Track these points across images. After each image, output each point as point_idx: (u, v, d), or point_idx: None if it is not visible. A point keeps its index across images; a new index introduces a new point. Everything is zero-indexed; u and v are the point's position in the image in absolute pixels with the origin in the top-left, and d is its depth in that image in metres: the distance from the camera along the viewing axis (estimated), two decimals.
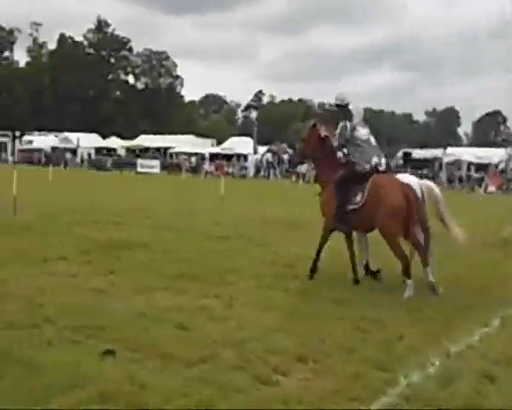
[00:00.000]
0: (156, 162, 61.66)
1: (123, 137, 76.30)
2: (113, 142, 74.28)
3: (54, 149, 69.96)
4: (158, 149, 68.84)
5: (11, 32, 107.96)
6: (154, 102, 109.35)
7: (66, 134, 73.28)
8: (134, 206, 19.82)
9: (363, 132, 9.15)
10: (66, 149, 69.58)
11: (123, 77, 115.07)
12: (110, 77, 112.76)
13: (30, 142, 74.32)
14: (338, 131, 9.20)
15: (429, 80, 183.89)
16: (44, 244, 11.13)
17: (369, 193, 8.66)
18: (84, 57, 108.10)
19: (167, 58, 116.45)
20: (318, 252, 9.30)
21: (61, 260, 9.81)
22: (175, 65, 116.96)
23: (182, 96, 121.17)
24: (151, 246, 11.60)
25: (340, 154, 9.31)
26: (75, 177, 41.55)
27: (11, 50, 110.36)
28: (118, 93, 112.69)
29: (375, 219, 8.63)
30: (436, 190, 8.99)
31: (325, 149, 9.38)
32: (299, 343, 5.99)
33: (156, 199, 23.86)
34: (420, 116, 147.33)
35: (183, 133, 73.28)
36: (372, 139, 9.22)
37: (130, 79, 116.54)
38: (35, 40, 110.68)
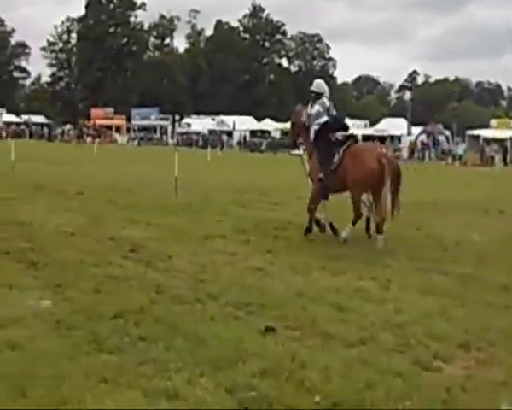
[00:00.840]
0: None
1: (277, 120, 77.31)
2: (268, 124, 75.45)
3: (211, 131, 72.23)
4: None
5: (171, 20, 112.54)
6: (307, 84, 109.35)
7: (223, 117, 75.41)
8: (289, 186, 20.01)
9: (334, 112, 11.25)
10: (222, 132, 71.67)
11: (277, 60, 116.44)
12: (264, 61, 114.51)
13: (188, 125, 77.27)
14: (319, 106, 10.99)
15: None
16: (204, 223, 11.56)
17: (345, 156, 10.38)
18: (240, 42, 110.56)
19: (320, 41, 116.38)
20: (312, 214, 10.78)
21: (220, 238, 10.13)
22: (328, 47, 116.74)
23: (334, 78, 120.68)
24: None
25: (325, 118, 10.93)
26: (231, 158, 42.67)
27: (171, 38, 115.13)
28: (272, 76, 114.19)
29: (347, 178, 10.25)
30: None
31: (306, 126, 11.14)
32: (461, 330, 5.78)
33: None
34: None
35: None
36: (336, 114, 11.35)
37: (284, 62, 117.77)
38: (193, 27, 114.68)
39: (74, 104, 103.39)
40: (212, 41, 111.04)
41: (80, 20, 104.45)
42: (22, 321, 5.56)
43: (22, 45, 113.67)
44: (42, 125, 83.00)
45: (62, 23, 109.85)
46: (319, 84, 11.46)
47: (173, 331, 5.38)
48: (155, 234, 10.20)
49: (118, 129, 79.48)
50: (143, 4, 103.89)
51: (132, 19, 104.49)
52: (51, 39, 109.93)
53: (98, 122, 77.88)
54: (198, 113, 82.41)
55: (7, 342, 5.02)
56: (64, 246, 8.97)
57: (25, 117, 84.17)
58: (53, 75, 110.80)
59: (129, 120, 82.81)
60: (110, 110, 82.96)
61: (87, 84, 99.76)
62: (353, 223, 10.31)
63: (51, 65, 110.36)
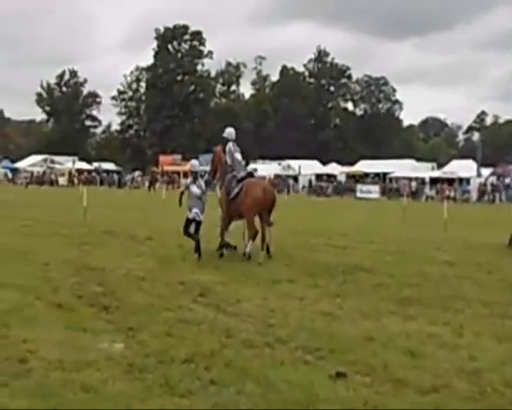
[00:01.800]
0: (375, 187, 61.58)
1: (342, 163, 77.29)
2: (333, 168, 75.51)
3: (277, 176, 72.68)
4: (377, 175, 68.63)
5: (237, 66, 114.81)
6: (373, 127, 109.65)
7: (289, 161, 75.85)
8: (355, 230, 19.92)
9: (237, 155, 14.12)
10: (288, 176, 72.01)
11: (342, 104, 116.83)
12: (330, 105, 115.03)
13: (254, 170, 77.92)
14: (229, 149, 14.09)
15: None
16: (272, 267, 11.59)
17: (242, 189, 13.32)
18: (305, 87, 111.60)
19: (386, 83, 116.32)
20: (222, 233, 13.59)
21: (288, 282, 10.14)
22: (394, 90, 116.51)
23: (401, 121, 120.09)
24: (375, 270, 11.55)
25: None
26: (297, 203, 42.73)
27: (237, 84, 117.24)
28: (337, 120, 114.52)
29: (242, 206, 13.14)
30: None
31: (222, 164, 14.06)
32: None
33: (377, 223, 23.76)
34: None
35: (402, 158, 72.35)
36: (239, 157, 14.18)
37: (350, 105, 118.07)
38: (259, 73, 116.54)
39: (143, 151, 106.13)
40: (277, 86, 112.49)
41: (149, 69, 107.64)
42: (96, 364, 5.69)
43: (94, 95, 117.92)
44: (112, 172, 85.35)
45: (132, 72, 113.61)
46: (230, 133, 14.62)
47: (244, 375, 5.40)
48: (223, 278, 10.29)
49: (185, 175, 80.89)
50: (210, 52, 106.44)
51: (199, 67, 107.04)
52: (121, 88, 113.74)
53: (166, 168, 79.57)
54: (264, 157, 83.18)
55: (81, 385, 5.15)
56: (135, 290, 9.15)
57: (96, 164, 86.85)
58: (122, 123, 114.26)
59: None
60: (178, 156, 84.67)
61: (155, 132, 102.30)
62: (252, 239, 12.98)
63: (121, 113, 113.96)
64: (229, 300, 8.56)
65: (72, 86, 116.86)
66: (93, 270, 10.81)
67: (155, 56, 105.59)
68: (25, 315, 7.42)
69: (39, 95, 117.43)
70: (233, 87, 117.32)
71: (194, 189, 13.12)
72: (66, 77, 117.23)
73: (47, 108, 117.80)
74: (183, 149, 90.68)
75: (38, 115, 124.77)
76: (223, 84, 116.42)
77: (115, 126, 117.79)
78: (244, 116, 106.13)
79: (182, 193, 13.56)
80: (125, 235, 16.50)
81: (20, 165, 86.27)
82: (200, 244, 12.60)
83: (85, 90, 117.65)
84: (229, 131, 14.57)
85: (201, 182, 13.38)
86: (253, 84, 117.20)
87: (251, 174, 14.25)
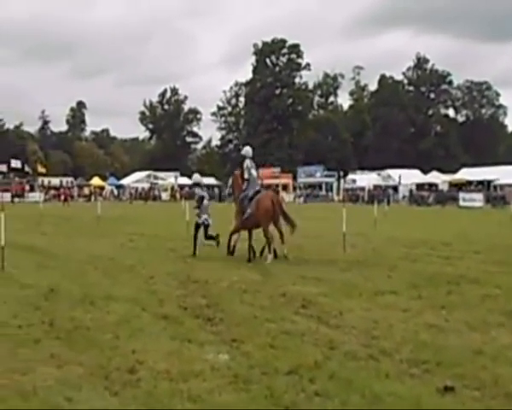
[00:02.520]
0: (479, 195, 59.54)
1: (444, 172, 75.37)
2: (435, 176, 73.75)
3: (376, 186, 71.80)
4: (481, 182, 66.38)
5: (335, 78, 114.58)
6: (476, 133, 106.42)
7: (388, 171, 74.76)
8: (459, 240, 19.34)
9: (252, 171, 15.67)
10: (387, 187, 70.98)
11: (443, 111, 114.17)
12: (430, 112, 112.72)
13: (353, 181, 77.42)
14: (247, 165, 15.62)
15: None
16: (374, 279, 11.42)
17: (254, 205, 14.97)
18: (404, 95, 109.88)
19: (489, 88, 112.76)
20: (229, 240, 15.62)
21: (391, 293, 9.95)
22: (497, 94, 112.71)
23: (505, 126, 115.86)
24: (481, 281, 11.15)
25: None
26: (398, 213, 42.00)
27: (335, 95, 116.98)
28: (438, 128, 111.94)
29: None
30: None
31: (239, 185, 15.82)
32: None
33: (482, 232, 22.96)
34: None
35: (507, 164, 69.67)
36: (254, 173, 15.80)
37: (451, 112, 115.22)
38: (357, 83, 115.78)
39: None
40: (376, 96, 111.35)
41: (248, 83, 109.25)
42: (201, 375, 5.80)
43: (194, 111, 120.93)
44: (212, 186, 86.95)
45: (231, 88, 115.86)
46: (248, 151, 16.05)
47: (348, 388, 5.35)
48: (325, 290, 10.24)
49: (284, 187, 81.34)
50: (308, 65, 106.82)
51: (297, 79, 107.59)
52: (221, 104, 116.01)
53: (266, 181, 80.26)
54: (363, 168, 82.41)
55: (188, 395, 5.26)
56: (238, 302, 9.26)
57: None
58: (222, 138, 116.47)
59: (295, 178, 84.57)
60: (277, 169, 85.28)
61: (254, 145, 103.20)
62: (269, 247, 14.71)
63: (221, 128, 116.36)
64: (331, 311, 8.51)
65: (173, 104, 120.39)
66: (197, 282, 11.03)
67: (254, 71, 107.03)
68: (133, 326, 7.67)
69: (142, 113, 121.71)
70: (331, 98, 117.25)
71: (206, 198, 16.35)
72: (168, 95, 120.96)
73: (150, 126, 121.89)
74: (281, 161, 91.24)
75: (142, 133, 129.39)
76: (321, 96, 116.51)
77: (215, 141, 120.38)
78: (342, 127, 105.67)
79: (201, 201, 16.19)
80: (226, 248, 16.71)
81: (125, 181, 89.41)
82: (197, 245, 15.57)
83: (186, 107, 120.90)
84: (247, 150, 16.17)
85: (205, 192, 16.63)
86: (351, 94, 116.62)
87: (259, 191, 15.52)
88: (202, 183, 17.21)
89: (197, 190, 16.58)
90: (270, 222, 14.86)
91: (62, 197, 62.78)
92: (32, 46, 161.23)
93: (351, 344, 6.81)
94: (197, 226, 15.86)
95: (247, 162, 15.74)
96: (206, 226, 15.88)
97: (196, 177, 17.11)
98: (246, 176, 15.61)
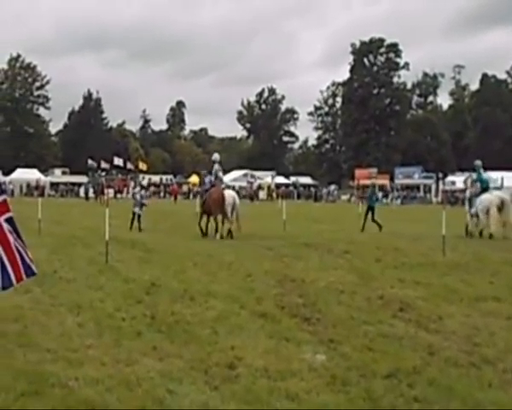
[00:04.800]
0: None
1: None
2: None
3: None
4: None
5: (435, 77, 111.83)
6: None
7: (490, 173, 72.20)
8: None
9: (219, 173, 20.86)
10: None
11: None
12: None
13: (453, 182, 75.30)
14: (215, 169, 20.67)
15: None
16: (475, 283, 11.09)
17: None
18: (508, 94, 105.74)
19: None
20: (199, 225, 20.35)
21: (493, 300, 9.63)
22: None
23: None
24: None
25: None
26: None
27: (435, 95, 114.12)
28: None
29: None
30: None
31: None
32: None
33: None
34: None
35: None
36: (221, 175, 21.24)
37: None
38: (458, 83, 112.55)
39: (339, 165, 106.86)
40: (477, 95, 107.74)
41: (345, 83, 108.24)
42: (299, 374, 5.82)
43: (291, 111, 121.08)
44: (309, 185, 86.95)
45: (328, 88, 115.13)
46: (216, 157, 21.04)
47: (449, 395, 5.24)
48: (424, 293, 10.03)
49: (381, 188, 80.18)
50: (406, 64, 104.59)
51: (395, 79, 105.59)
52: (318, 104, 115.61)
53: (362, 182, 79.38)
54: (462, 169, 79.99)
55: (286, 394, 5.30)
56: (335, 302, 9.23)
57: (293, 179, 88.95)
58: (319, 138, 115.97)
59: (392, 179, 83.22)
60: (374, 170, 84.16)
61: (351, 146, 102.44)
62: (216, 228, 19.67)
63: (317, 128, 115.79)
64: (430, 316, 8.33)
65: (270, 103, 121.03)
66: (294, 281, 11.07)
67: (351, 71, 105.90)
68: (231, 323, 7.79)
69: (240, 112, 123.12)
70: (430, 98, 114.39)
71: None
72: (265, 95, 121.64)
73: (247, 125, 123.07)
74: (378, 162, 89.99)
75: (239, 132, 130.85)
76: (419, 96, 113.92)
77: (312, 141, 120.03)
78: (442, 127, 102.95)
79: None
80: (322, 248, 16.70)
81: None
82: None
83: (283, 107, 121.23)
84: (216, 156, 21.10)
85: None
86: (452, 94, 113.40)
87: (213, 186, 20.37)
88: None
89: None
90: (217, 209, 19.63)
91: (173, 195, 65.88)
92: (138, 48, 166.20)
93: (451, 350, 6.65)
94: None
95: (216, 167, 20.56)
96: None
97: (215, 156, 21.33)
98: (212, 179, 20.55)
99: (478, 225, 21.81)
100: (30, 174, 78.85)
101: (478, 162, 22.74)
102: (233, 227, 20.10)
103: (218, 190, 20.19)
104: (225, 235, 19.58)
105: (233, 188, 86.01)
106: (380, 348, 6.67)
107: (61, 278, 11.08)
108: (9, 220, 4.34)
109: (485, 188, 22.19)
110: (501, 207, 20.98)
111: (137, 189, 26.50)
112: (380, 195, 69.04)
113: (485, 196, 21.51)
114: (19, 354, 6.36)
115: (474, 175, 23.23)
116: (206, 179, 21.06)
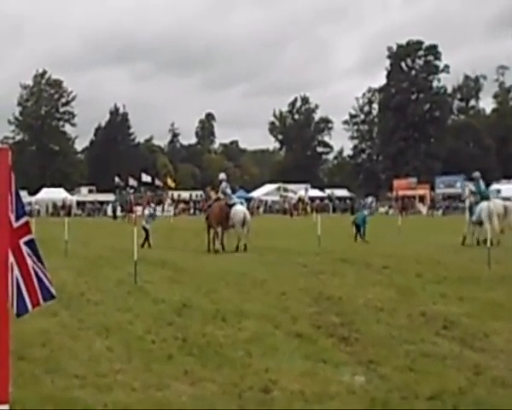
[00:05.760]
0: None
1: None
2: None
3: None
4: None
5: (477, 80, 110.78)
6: None
7: None
8: None
9: (228, 190, 22.95)
10: None
11: None
12: None
13: (498, 191, 74.34)
14: (222, 187, 22.77)
15: None
16: None
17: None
18: None
19: None
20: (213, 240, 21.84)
21: None
22: None
23: None
24: None
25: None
26: None
27: (477, 99, 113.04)
28: None
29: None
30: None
31: (209, 197, 23.61)
32: None
33: None
34: None
35: None
36: (229, 191, 23.14)
37: None
38: (501, 85, 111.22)
39: (376, 175, 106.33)
40: None
41: (381, 89, 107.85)
42: (337, 397, 5.80)
43: (325, 121, 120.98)
44: (344, 198, 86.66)
45: (364, 95, 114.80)
46: (223, 175, 23.30)
47: None
48: (469, 309, 9.91)
49: (421, 199, 79.56)
50: (446, 67, 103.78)
51: (435, 83, 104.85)
52: (353, 112, 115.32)
53: (401, 193, 78.90)
54: (508, 177, 78.94)
55: None
56: (374, 321, 9.17)
57: (328, 191, 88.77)
58: (355, 148, 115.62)
59: (433, 188, 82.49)
60: (413, 180, 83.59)
61: (389, 155, 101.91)
62: (213, 240, 21.74)
63: (353, 138, 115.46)
64: (476, 333, 8.23)
65: (303, 113, 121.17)
66: (330, 299, 11.03)
67: (388, 76, 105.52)
68: (265, 344, 7.80)
69: (272, 123, 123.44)
70: (472, 102, 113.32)
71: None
72: (298, 104, 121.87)
73: (279, 137, 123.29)
74: (418, 171, 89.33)
75: (271, 144, 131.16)
76: (461, 100, 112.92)
77: (347, 151, 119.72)
78: (485, 133, 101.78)
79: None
80: (360, 263, 16.64)
81: (255, 194, 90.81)
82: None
83: (317, 117, 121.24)
84: (222, 176, 23.27)
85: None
86: (495, 97, 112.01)
87: (218, 198, 22.65)
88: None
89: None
90: (217, 223, 21.85)
91: (203, 211, 65.37)
92: (166, 60, 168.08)
93: (498, 370, 6.56)
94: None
95: (223, 185, 22.72)
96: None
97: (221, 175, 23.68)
98: (220, 195, 22.57)
99: (474, 233, 22.93)
100: (56, 194, 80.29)
101: (477, 174, 23.59)
102: (242, 243, 21.53)
103: (219, 204, 22.16)
104: (236, 249, 21.28)
105: (265, 203, 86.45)
106: (422, 369, 6.61)
107: (88, 301, 11.21)
108: (29, 243, 4.42)
109: (483, 197, 23.10)
110: (504, 214, 22.44)
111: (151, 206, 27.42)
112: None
113: (487, 204, 22.33)
114: (46, 379, 6.45)
115: (471, 185, 24.51)
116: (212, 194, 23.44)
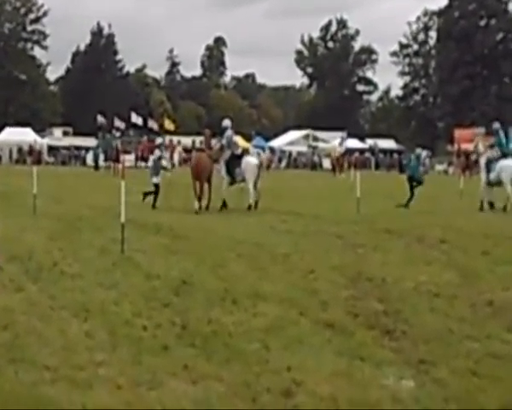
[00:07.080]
0: None
1: None
2: None
3: None
4: None
5: None
6: None
7: None
8: None
9: (234, 138, 25.29)
10: None
11: None
12: None
13: None
14: (227, 136, 24.20)
15: None
16: None
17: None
18: None
19: None
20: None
21: None
22: None
23: None
24: None
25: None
26: None
27: None
28: None
29: None
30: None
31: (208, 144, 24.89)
32: None
33: None
34: None
35: None
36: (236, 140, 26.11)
37: None
38: None
39: (433, 123, 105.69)
40: None
41: (442, 13, 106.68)
42: (379, 405, 5.80)
43: (368, 51, 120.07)
44: (391, 151, 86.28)
45: (418, 19, 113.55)
46: (227, 122, 24.29)
47: None
48: None
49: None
50: None
51: (511, 7, 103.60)
52: (404, 41, 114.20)
53: (464, 147, 78.35)
54: None
55: None
56: (427, 310, 9.15)
57: (370, 142, 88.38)
58: (405, 87, 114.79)
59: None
60: (480, 130, 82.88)
61: (450, 97, 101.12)
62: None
63: (403, 74, 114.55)
64: None
65: (340, 41, 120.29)
66: (371, 281, 11.02)
67: None
68: (287, 335, 7.80)
69: (299, 53, 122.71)
70: None
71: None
72: (333, 29, 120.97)
73: (309, 70, 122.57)
74: (486, 119, 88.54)
75: (298, 79, 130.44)
76: None
77: (396, 91, 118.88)
78: None
79: None
80: (409, 235, 16.60)
81: (276, 143, 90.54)
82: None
83: (357, 46, 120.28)
84: (226, 123, 24.26)
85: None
86: None
87: (222, 147, 24.14)
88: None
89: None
90: (193, 178, 23.04)
91: None
92: None
93: None
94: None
95: (228, 133, 24.10)
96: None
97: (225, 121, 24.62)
98: (224, 143, 23.99)
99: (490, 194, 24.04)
100: (22, 135, 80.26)
101: (496, 125, 24.38)
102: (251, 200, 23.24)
103: (197, 155, 24.70)
104: (248, 208, 23.09)
105: (289, 155, 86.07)
106: (488, 373, 6.60)
107: (62, 273, 11.25)
108: None
109: (504, 153, 23.73)
110: None
111: (157, 153, 26.74)
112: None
113: (508, 163, 23.10)
114: (9, 371, 6.49)
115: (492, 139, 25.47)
116: (213, 142, 24.88)
